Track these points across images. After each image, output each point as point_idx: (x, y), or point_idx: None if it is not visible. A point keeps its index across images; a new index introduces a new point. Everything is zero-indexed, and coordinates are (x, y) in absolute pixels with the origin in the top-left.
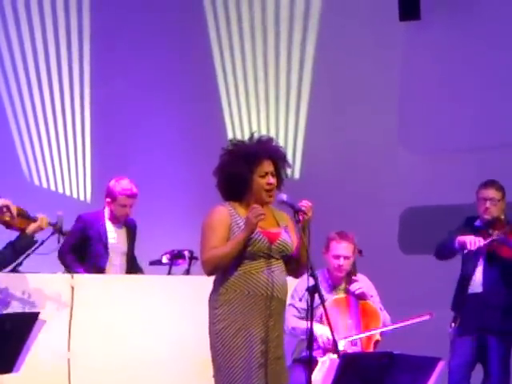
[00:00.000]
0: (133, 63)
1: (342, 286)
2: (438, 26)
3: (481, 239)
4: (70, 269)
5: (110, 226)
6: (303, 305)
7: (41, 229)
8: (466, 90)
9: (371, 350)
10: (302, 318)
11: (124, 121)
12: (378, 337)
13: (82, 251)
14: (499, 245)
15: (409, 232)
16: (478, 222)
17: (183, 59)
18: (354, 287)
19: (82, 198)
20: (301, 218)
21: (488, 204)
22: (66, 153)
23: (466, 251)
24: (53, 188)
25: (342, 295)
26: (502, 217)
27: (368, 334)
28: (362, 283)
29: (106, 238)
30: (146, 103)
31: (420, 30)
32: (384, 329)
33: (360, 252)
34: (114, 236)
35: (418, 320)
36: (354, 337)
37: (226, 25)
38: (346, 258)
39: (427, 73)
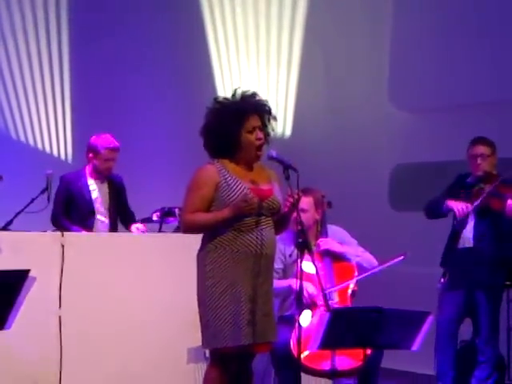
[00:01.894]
0: (120, 24)
1: (312, 242)
2: None
3: (469, 205)
4: (65, 230)
5: (91, 183)
6: (279, 265)
7: None
8: (456, 47)
9: (348, 301)
10: (279, 279)
11: (110, 82)
12: (354, 287)
13: (68, 210)
14: (490, 197)
15: (399, 189)
16: (469, 179)
17: (172, 19)
18: (322, 245)
19: (63, 157)
20: (287, 202)
21: (479, 160)
22: (45, 110)
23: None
24: (32, 143)
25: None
26: (494, 172)
27: (344, 285)
28: (334, 237)
29: (89, 193)
30: (132, 64)
31: None
32: (361, 276)
33: (329, 204)
34: (96, 190)
35: (392, 262)
36: (334, 288)
37: None
38: (301, 210)
39: (416, 30)
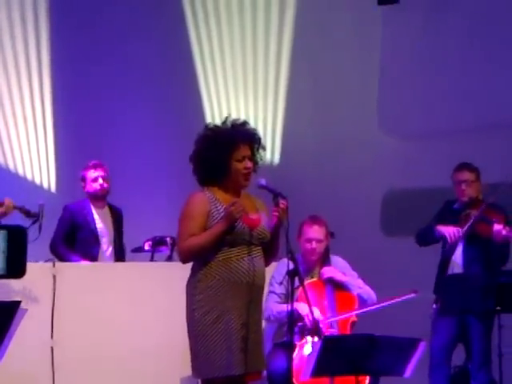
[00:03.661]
0: (107, 48)
1: (317, 270)
2: (417, 8)
3: (459, 230)
4: (64, 259)
5: (95, 213)
6: (282, 290)
7: (6, 214)
8: (444, 74)
9: (348, 331)
10: (282, 303)
11: (96, 106)
12: (354, 318)
13: (72, 241)
14: (477, 223)
15: (390, 215)
16: (456, 205)
17: (159, 46)
18: (325, 273)
19: (45, 185)
20: (275, 212)
21: (463, 186)
22: (27, 137)
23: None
24: (13, 171)
25: (316, 278)
26: (480, 197)
27: (348, 315)
28: (336, 266)
29: (94, 222)
30: (121, 90)
31: (398, 13)
32: (368, 309)
33: (332, 234)
34: (102, 222)
35: (403, 298)
36: (335, 318)
37: (203, 11)
38: (318, 241)
39: (406, 57)
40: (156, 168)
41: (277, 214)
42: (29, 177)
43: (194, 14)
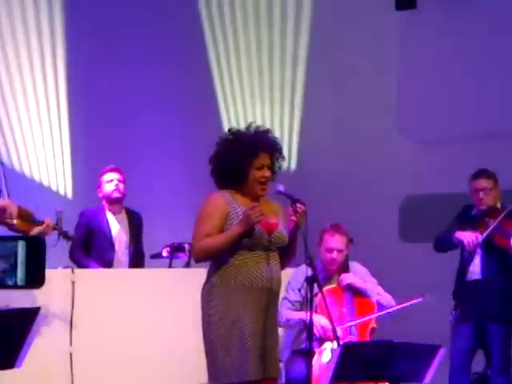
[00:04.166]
0: (122, 51)
1: (336, 277)
2: (435, 14)
3: (478, 235)
4: (80, 265)
5: (110, 217)
6: (296, 297)
7: (45, 234)
8: (463, 78)
9: (367, 337)
10: (295, 311)
11: (113, 111)
12: (373, 324)
13: (88, 246)
14: (494, 233)
15: (408, 220)
16: (474, 211)
17: (176, 49)
18: (344, 279)
19: (62, 191)
20: (292, 216)
21: (481, 195)
22: (42, 140)
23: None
24: (29, 175)
25: (335, 285)
26: (498, 205)
27: (363, 319)
28: (355, 273)
29: (110, 230)
30: (137, 96)
31: (416, 18)
32: (378, 314)
33: (351, 240)
34: (117, 227)
35: (411, 303)
36: (349, 323)
37: (219, 15)
38: (339, 251)
39: (424, 62)
40: (174, 174)
41: (294, 218)
42: (45, 183)
43: (210, 18)
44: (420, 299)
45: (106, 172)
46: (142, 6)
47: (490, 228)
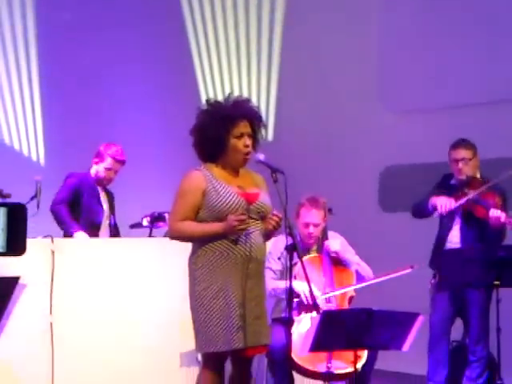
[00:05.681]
0: (103, 23)
1: (314, 247)
2: None
3: (452, 201)
4: (63, 221)
5: (98, 188)
6: (278, 266)
7: None
8: (444, 48)
9: (346, 306)
10: (278, 279)
11: (85, 81)
12: (352, 293)
13: (75, 208)
14: (474, 204)
15: (389, 190)
16: (453, 181)
17: (158, 26)
18: (332, 246)
19: (34, 157)
20: (270, 224)
21: (460, 164)
22: (13, 106)
23: (438, 213)
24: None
25: (314, 254)
26: (478, 175)
27: (347, 289)
28: (337, 245)
29: (99, 197)
30: (112, 64)
31: None
32: (365, 283)
33: (330, 210)
34: (102, 196)
35: (400, 273)
36: (333, 293)
37: None
38: (315, 225)
39: (404, 31)
40: (154, 145)
41: (271, 227)
42: (17, 149)
43: None
44: (409, 269)
45: (113, 157)
46: None
47: (468, 196)
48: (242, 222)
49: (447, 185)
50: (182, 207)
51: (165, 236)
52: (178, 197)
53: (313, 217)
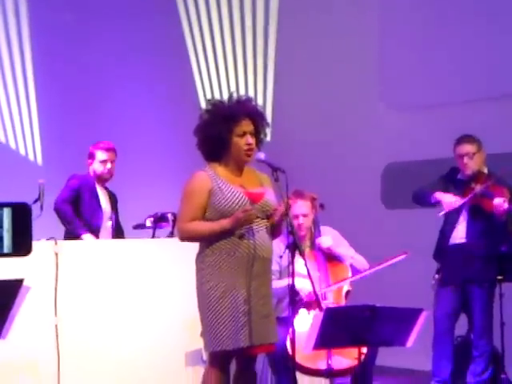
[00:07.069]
0: (99, 21)
1: (307, 243)
2: None
3: (458, 199)
4: (69, 220)
5: (98, 188)
6: (275, 266)
7: None
8: (445, 45)
9: (343, 301)
10: (277, 279)
11: (85, 77)
12: (348, 287)
13: (76, 210)
14: (481, 198)
15: (391, 187)
16: (460, 175)
17: (152, 24)
18: (323, 243)
19: (31, 157)
20: (275, 216)
21: (465, 159)
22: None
23: (443, 212)
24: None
25: (307, 250)
26: (485, 169)
27: (342, 283)
28: (329, 241)
29: (98, 196)
30: (114, 73)
31: None
32: (360, 275)
33: (322, 206)
34: (103, 197)
35: (393, 261)
36: (329, 288)
37: None
38: (304, 215)
39: (406, 28)
40: (157, 145)
41: (276, 218)
42: (13, 148)
43: None
44: (403, 256)
45: (101, 149)
46: None
47: (470, 195)
48: (247, 213)
49: (454, 179)
50: (189, 209)
51: (168, 236)
52: (184, 199)
53: (299, 208)
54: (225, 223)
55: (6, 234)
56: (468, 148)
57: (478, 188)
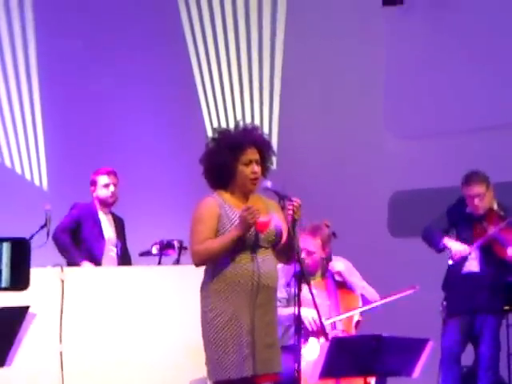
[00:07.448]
0: (107, 51)
1: (319, 272)
2: (421, 10)
3: (467, 248)
4: (66, 249)
5: (102, 216)
6: (283, 294)
7: None
8: (449, 74)
9: (353, 331)
10: (284, 307)
11: (90, 105)
12: (359, 317)
13: (75, 239)
14: (494, 241)
15: (398, 215)
16: (469, 209)
17: (159, 54)
18: (335, 267)
19: (37, 182)
20: (289, 210)
21: (476, 201)
22: (14, 131)
23: (452, 261)
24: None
25: (318, 279)
26: (494, 205)
27: (352, 313)
28: (341, 266)
29: (101, 224)
30: (120, 98)
31: (403, 14)
32: (368, 306)
33: (334, 234)
34: (107, 224)
35: (402, 294)
36: (337, 318)
37: (198, 18)
38: (310, 253)
39: (411, 58)
40: (161, 172)
41: (291, 212)
42: (19, 173)
43: (190, 18)
44: (412, 290)
45: (102, 174)
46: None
47: (482, 240)
48: (250, 210)
49: (463, 213)
50: (202, 232)
51: (174, 263)
52: (195, 224)
53: (303, 243)
54: (233, 230)
55: (5, 269)
56: (477, 189)
57: (490, 230)
